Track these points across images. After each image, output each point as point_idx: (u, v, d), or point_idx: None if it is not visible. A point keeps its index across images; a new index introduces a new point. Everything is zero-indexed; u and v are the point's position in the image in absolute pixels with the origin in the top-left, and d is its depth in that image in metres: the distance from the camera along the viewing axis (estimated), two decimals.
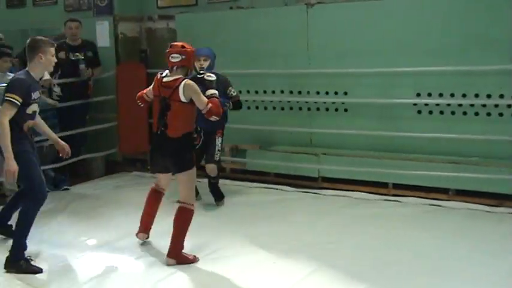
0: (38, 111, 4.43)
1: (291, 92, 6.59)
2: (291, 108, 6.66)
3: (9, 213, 4.83)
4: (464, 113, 5.70)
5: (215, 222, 5.29)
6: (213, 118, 4.28)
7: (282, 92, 6.64)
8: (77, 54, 6.66)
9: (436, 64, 5.69)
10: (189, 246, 4.36)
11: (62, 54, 6.49)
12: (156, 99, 4.37)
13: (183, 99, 4.19)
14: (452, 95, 5.72)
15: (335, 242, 4.66)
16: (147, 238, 4.68)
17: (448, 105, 5.75)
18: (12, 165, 4.03)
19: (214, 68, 5.46)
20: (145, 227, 4.67)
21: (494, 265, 4.09)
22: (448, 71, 5.67)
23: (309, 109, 6.52)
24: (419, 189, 5.74)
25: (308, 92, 6.48)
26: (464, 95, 5.67)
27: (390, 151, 6.02)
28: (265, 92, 6.77)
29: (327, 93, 6.36)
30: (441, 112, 5.81)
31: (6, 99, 4.11)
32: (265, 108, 6.82)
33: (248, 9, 6.88)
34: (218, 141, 5.70)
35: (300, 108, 6.60)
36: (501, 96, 5.51)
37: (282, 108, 6.71)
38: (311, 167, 6.28)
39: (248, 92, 6.84)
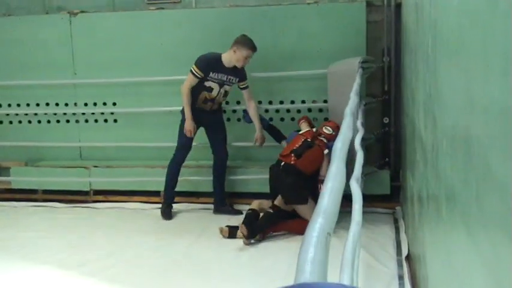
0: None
1: (57, 104, 6.30)
2: (58, 121, 6.37)
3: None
4: None
5: None
6: None
7: (48, 104, 6.32)
8: None
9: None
10: None
11: None
12: None
13: None
14: None
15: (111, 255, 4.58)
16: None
17: None
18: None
19: None
20: None
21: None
22: None
23: (77, 121, 6.31)
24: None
25: (75, 104, 6.27)
26: None
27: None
28: (28, 105, 6.36)
29: (95, 104, 6.23)
30: None
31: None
32: (30, 122, 6.41)
33: (5, 16, 6.44)
34: None
35: (68, 121, 6.35)
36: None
37: (48, 122, 6.38)
38: (82, 180, 6.09)
39: (9, 105, 6.39)
